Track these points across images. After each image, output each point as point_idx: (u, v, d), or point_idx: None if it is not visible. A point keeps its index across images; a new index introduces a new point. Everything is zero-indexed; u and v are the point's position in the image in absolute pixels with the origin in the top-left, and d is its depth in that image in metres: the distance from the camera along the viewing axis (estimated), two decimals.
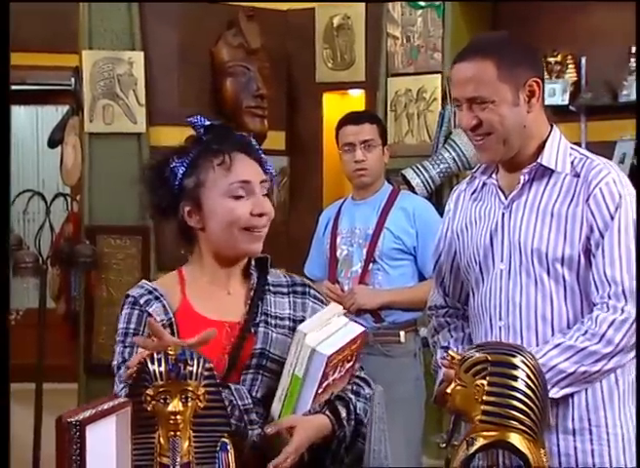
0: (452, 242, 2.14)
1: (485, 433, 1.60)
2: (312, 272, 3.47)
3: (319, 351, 1.67)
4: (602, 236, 1.89)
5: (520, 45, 2.03)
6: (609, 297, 1.87)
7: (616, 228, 1.89)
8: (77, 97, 4.85)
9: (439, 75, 4.72)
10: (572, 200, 1.93)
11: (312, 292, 1.92)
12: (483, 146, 1.97)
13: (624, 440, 1.93)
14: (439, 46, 4.72)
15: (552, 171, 1.96)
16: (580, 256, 1.91)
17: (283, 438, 1.70)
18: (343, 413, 1.77)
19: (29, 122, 7.89)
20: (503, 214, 2.00)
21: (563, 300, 1.93)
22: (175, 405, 1.52)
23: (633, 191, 1.95)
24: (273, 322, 1.83)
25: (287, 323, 1.84)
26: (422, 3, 4.78)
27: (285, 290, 1.90)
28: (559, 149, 1.98)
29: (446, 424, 3.89)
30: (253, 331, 1.81)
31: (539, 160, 1.97)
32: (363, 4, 5.26)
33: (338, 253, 3.40)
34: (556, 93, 4.52)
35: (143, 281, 1.90)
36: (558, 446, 1.91)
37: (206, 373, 1.57)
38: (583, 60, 4.64)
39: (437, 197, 4.44)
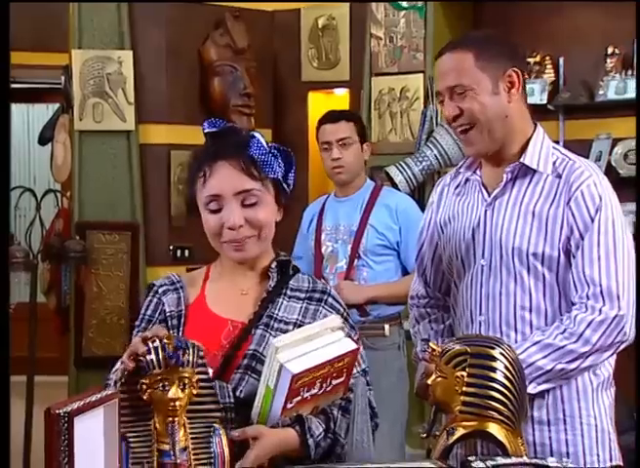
0: (434, 233, 2.14)
1: (464, 423, 1.61)
2: None
3: (286, 368, 1.62)
4: (582, 237, 1.89)
5: (501, 39, 2.04)
6: (587, 298, 1.87)
7: (595, 230, 1.89)
8: (67, 95, 4.82)
9: (421, 75, 4.72)
10: (553, 201, 1.93)
11: (330, 300, 1.86)
12: (468, 140, 1.97)
13: (597, 430, 1.95)
14: (421, 46, 4.73)
15: (535, 170, 1.96)
16: (559, 256, 1.91)
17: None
18: (319, 430, 1.70)
19: (20, 120, 7.85)
20: (486, 211, 2.00)
21: (542, 297, 1.94)
22: (174, 391, 1.53)
23: (613, 194, 1.95)
24: (275, 325, 1.79)
25: (291, 328, 1.78)
26: (405, 4, 4.79)
27: (302, 295, 1.84)
28: (542, 149, 1.98)
29: (428, 415, 3.91)
30: (253, 332, 1.78)
31: (521, 159, 1.96)
32: (347, 5, 5.26)
33: (322, 250, 3.41)
34: (535, 92, 4.53)
35: (172, 272, 1.92)
36: (534, 436, 1.92)
37: (199, 362, 1.58)
38: (561, 61, 4.66)
39: (420, 193, 4.45)
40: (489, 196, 2.01)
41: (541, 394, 1.91)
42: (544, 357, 1.85)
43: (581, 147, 4.36)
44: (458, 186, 2.10)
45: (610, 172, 4.36)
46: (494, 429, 1.59)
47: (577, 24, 4.62)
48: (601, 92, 4.43)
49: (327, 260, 3.39)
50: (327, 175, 3.49)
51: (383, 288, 3.30)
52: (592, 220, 1.89)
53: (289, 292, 1.83)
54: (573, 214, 1.90)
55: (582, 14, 4.60)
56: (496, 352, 1.62)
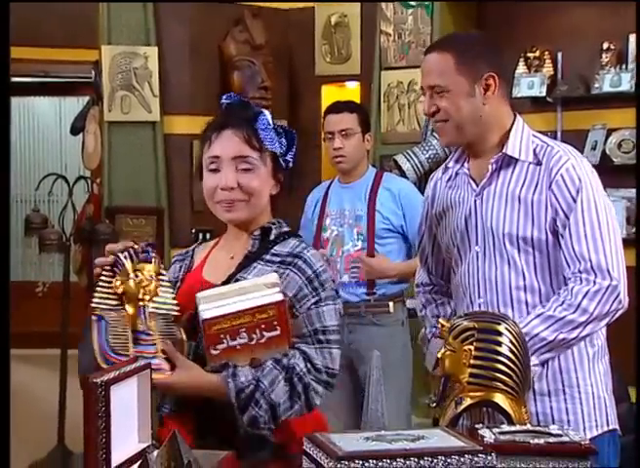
0: (432, 226, 2.16)
1: (472, 393, 1.61)
2: None
3: (201, 314, 1.67)
4: (567, 217, 1.91)
5: (483, 41, 2.03)
6: (580, 272, 1.89)
7: (579, 209, 1.90)
8: (97, 88, 4.83)
9: None
10: (536, 186, 1.94)
11: (299, 263, 1.77)
12: (441, 131, 2.00)
13: (594, 397, 1.96)
14: (428, 42, 4.69)
15: (517, 159, 1.97)
16: (547, 238, 1.93)
17: None
18: (246, 377, 1.67)
19: (53, 111, 7.86)
20: (476, 201, 2.01)
21: (535, 277, 1.95)
22: (142, 278, 1.67)
23: (593, 174, 1.96)
24: None
25: None
26: (413, 2, 4.76)
27: (278, 259, 1.79)
28: (522, 138, 1.98)
29: (432, 387, 3.91)
30: None
31: (504, 150, 1.97)
32: (359, 3, 5.24)
33: (327, 234, 3.40)
34: (535, 85, 4.52)
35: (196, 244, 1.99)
36: (536, 406, 1.93)
37: (161, 267, 1.75)
38: (559, 56, 4.63)
39: (426, 180, 4.43)
40: (477, 187, 2.02)
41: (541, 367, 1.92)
42: (546, 328, 1.86)
43: (578, 137, 4.34)
44: (449, 179, 2.11)
45: (605, 160, 4.34)
46: (499, 399, 1.60)
47: (574, 22, 4.59)
48: (597, 85, 4.41)
49: (333, 244, 3.38)
50: (330, 163, 3.49)
51: (405, 265, 3.31)
52: (575, 201, 1.90)
53: (267, 257, 1.81)
54: (556, 197, 1.91)
55: (579, 12, 4.57)
56: (501, 327, 1.62)
